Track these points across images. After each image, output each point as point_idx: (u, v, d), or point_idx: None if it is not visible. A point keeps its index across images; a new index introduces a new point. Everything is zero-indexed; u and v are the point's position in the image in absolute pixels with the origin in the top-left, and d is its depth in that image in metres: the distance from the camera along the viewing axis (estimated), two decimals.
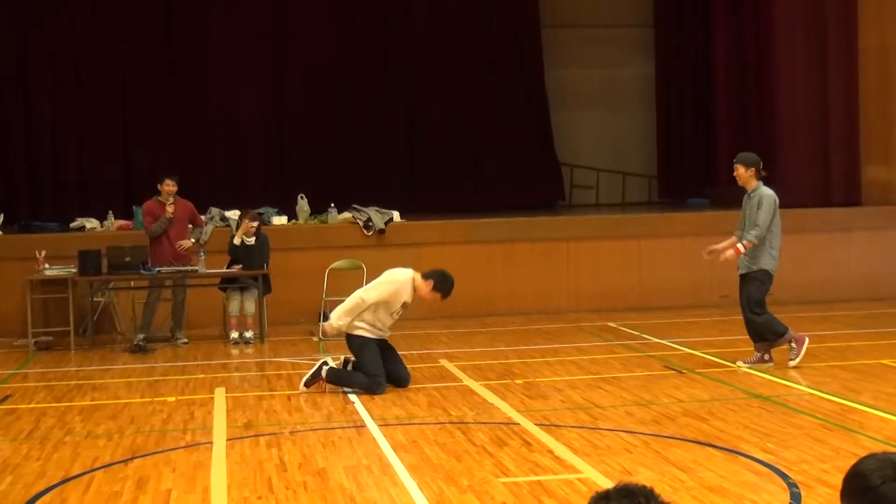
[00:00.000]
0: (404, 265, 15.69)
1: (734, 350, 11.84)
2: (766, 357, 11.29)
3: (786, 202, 17.41)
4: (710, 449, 7.96)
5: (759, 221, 11.11)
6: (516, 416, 9.19)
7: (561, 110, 22.61)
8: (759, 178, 11.37)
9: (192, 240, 14.30)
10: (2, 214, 16.00)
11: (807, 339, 11.30)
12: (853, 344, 12.74)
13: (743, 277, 11.37)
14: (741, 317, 11.44)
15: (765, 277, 11.24)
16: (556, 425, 8.83)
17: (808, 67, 18.06)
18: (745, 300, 11.31)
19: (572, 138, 22.72)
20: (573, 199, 22.47)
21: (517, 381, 10.85)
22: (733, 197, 18.99)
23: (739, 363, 11.34)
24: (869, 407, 9.28)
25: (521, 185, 21.30)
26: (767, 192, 11.28)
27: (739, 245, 11.21)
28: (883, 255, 17.08)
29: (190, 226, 14.41)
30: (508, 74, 22.01)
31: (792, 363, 11.12)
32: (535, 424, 8.84)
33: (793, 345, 11.22)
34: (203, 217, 15.71)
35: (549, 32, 22.64)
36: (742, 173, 11.40)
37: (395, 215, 16.36)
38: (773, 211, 11.22)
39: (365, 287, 11.14)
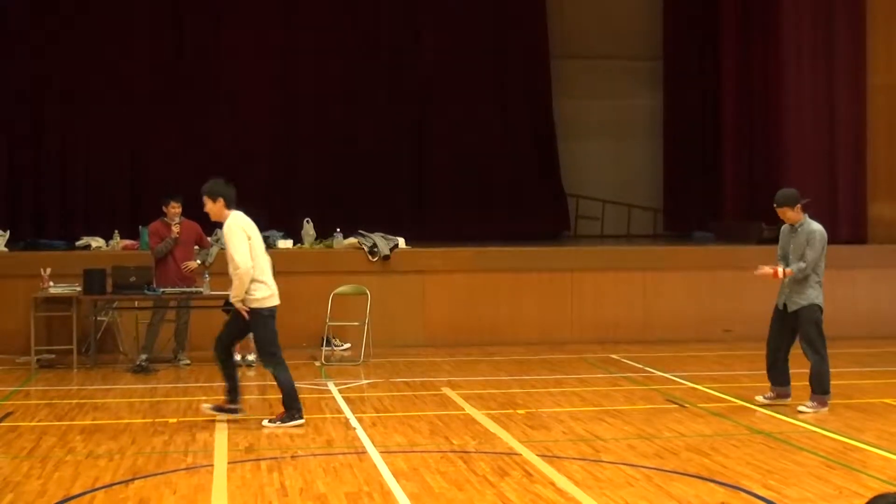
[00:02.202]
0: (408, 292, 15.86)
1: (738, 385, 11.83)
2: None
3: None
4: (711, 484, 7.93)
5: (808, 258, 10.80)
6: (518, 447, 9.17)
7: (568, 141, 22.68)
8: (805, 211, 11.01)
9: (198, 261, 14.30)
10: (8, 232, 16.04)
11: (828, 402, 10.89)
12: (857, 382, 12.72)
13: (795, 315, 10.90)
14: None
15: (817, 311, 10.90)
16: (557, 457, 8.81)
17: (816, 103, 18.12)
18: (804, 339, 10.89)
19: (579, 169, 22.79)
20: (578, 230, 22.51)
21: (519, 411, 10.83)
22: (738, 231, 19.15)
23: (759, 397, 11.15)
24: (872, 446, 9.25)
25: (526, 214, 21.34)
26: (818, 228, 10.94)
27: (780, 269, 10.84)
28: (888, 293, 17.05)
29: (196, 247, 14.41)
30: (516, 104, 22.09)
31: (802, 409, 10.82)
32: (537, 455, 8.82)
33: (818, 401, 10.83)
34: (209, 239, 15.72)
35: (558, 63, 22.72)
36: (790, 214, 10.97)
37: (401, 242, 16.37)
38: (823, 245, 10.91)
39: (231, 259, 10.31)
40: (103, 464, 8.69)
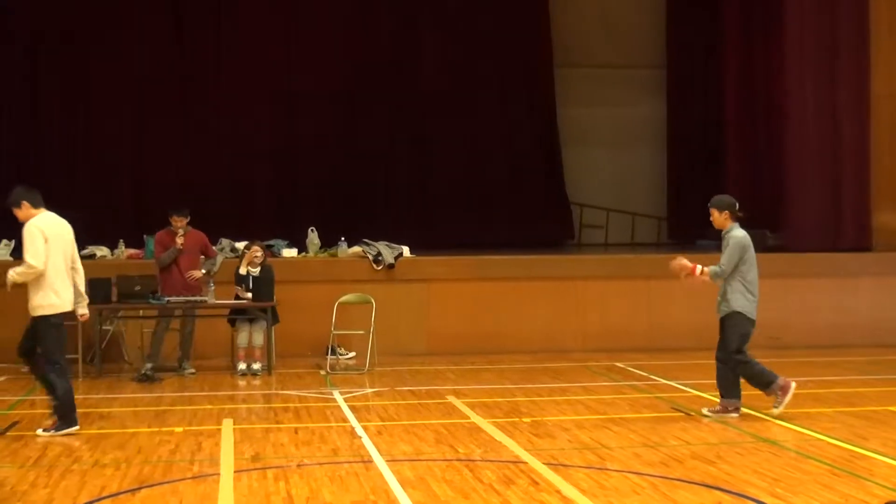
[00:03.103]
0: (413, 300, 15.89)
1: (742, 393, 11.78)
2: (731, 409, 10.99)
3: (795, 246, 17.59)
4: (717, 492, 7.94)
5: (722, 262, 10.85)
6: (524, 455, 9.18)
7: (572, 149, 22.71)
8: (735, 219, 11.08)
9: (203, 270, 14.32)
10: (13, 241, 16.03)
11: (793, 385, 10.96)
12: (861, 390, 12.72)
13: (722, 321, 11.01)
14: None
15: (741, 320, 10.89)
16: (563, 465, 8.82)
17: (819, 111, 18.12)
18: (720, 344, 11.03)
19: (582, 177, 22.81)
20: (582, 239, 22.53)
21: (525, 420, 10.83)
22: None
23: (705, 411, 11.12)
24: (877, 454, 9.25)
25: (530, 223, 21.37)
26: (737, 234, 10.98)
27: (699, 267, 10.92)
28: (892, 302, 17.05)
29: (203, 257, 14.44)
30: (520, 113, 22.13)
31: (776, 410, 10.89)
32: (543, 463, 8.82)
33: (778, 393, 10.94)
34: (214, 248, 15.77)
35: (562, 72, 22.76)
36: (716, 217, 11.14)
37: (405, 250, 16.39)
38: (740, 252, 10.87)
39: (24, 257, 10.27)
40: (109, 473, 8.71)
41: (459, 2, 21.90)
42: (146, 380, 13.56)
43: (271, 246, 15.49)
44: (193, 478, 8.55)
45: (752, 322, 10.90)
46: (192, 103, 20.79)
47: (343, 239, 16.52)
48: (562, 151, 22.55)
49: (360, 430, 10.30)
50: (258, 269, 14.22)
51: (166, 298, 13.88)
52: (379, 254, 16.03)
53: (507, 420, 10.81)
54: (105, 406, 12.01)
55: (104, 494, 8.04)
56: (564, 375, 14.00)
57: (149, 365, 13.91)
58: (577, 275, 16.63)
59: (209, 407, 11.78)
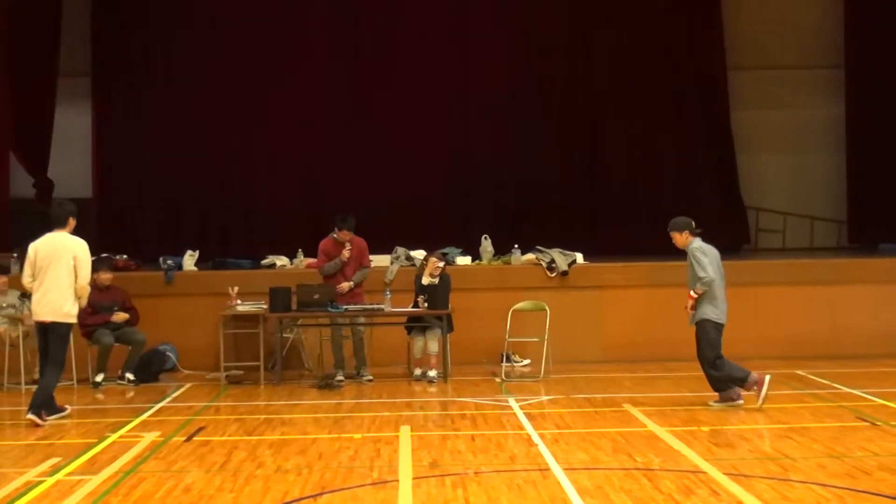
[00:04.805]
0: (587, 307, 15.81)
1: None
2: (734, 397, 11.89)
3: None
4: None
5: (700, 275, 11.67)
6: (703, 465, 9.05)
7: (747, 152, 22.28)
8: (695, 235, 11.92)
9: (352, 283, 14.45)
10: (197, 252, 16.56)
11: (767, 378, 11.66)
12: None
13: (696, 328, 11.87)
14: None
15: (710, 327, 11.74)
16: (744, 475, 8.66)
17: None
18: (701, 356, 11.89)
19: (758, 181, 22.35)
20: (759, 243, 22.07)
21: (703, 429, 10.68)
22: None
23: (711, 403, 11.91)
24: None
25: (705, 228, 20.93)
26: (696, 245, 11.84)
27: (692, 292, 11.81)
28: None
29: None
30: (693, 117, 21.81)
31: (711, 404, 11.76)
32: (723, 474, 8.68)
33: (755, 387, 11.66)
34: (389, 256, 16.02)
35: (735, 74, 22.36)
36: (678, 238, 12.00)
37: (579, 257, 16.32)
38: (706, 258, 11.74)
39: (81, 271, 11.50)
40: (292, 478, 8.90)
41: (630, 5, 21.74)
42: (326, 386, 13.81)
43: (445, 254, 15.60)
44: (373, 484, 8.67)
45: (720, 326, 11.83)
46: (366, 114, 21.14)
47: (516, 246, 16.54)
48: (736, 155, 22.15)
49: (536, 438, 10.30)
50: (437, 278, 14.35)
51: (344, 307, 14.12)
52: (552, 261, 16.00)
53: (686, 429, 10.68)
54: (287, 412, 12.28)
55: (287, 499, 8.23)
56: None
57: (338, 371, 14.19)
58: (754, 280, 16.30)
59: (387, 414, 11.94)
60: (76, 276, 11.40)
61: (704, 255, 11.79)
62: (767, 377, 11.74)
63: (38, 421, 11.45)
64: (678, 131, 21.66)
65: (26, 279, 11.58)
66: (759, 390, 11.66)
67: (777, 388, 13.30)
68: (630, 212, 21.04)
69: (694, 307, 11.85)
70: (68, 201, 11.99)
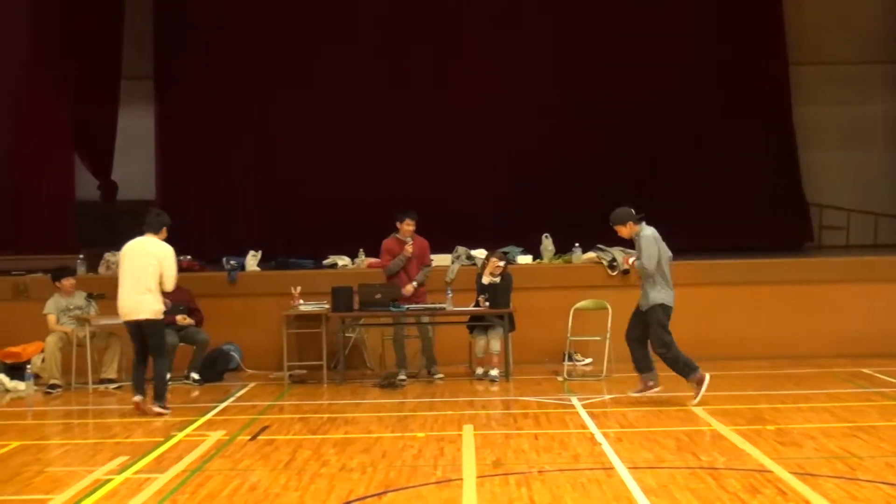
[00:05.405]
0: None
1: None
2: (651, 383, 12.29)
3: None
4: None
5: (644, 260, 11.89)
6: (769, 464, 8.98)
7: (808, 149, 22.10)
8: (638, 223, 12.06)
9: (415, 283, 14.50)
10: (259, 252, 16.70)
11: (707, 377, 11.97)
12: None
13: (646, 313, 12.04)
14: None
15: (661, 312, 11.95)
16: (811, 474, 8.59)
17: None
18: (651, 336, 12.06)
19: (821, 177, 22.17)
20: (822, 240, 21.88)
21: (768, 428, 10.60)
22: None
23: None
24: None
25: (765, 225, 20.91)
26: (645, 233, 11.99)
27: (631, 259, 12.21)
28: None
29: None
30: (754, 114, 21.66)
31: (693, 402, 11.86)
32: (790, 473, 8.62)
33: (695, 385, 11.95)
34: (450, 256, 16.04)
35: (796, 70, 22.19)
36: (623, 231, 12.17)
37: None
38: (655, 244, 11.97)
39: (165, 273, 12.14)
40: (356, 477, 8.95)
41: (690, 2, 21.64)
42: (388, 386, 13.87)
43: (506, 253, 15.59)
44: (437, 483, 8.70)
45: (670, 310, 12.00)
46: (424, 113, 21.22)
47: (577, 245, 16.50)
48: (798, 151, 21.97)
49: (599, 437, 10.28)
50: (498, 277, 14.36)
51: (406, 306, 14.17)
52: (614, 259, 15.96)
53: (750, 427, 10.61)
54: (350, 411, 12.36)
55: (352, 498, 8.28)
56: (806, 382, 13.63)
57: (401, 371, 14.25)
58: (818, 278, 16.16)
59: (450, 412, 11.97)
60: (162, 278, 12.11)
61: (656, 243, 11.99)
62: (707, 376, 12.01)
63: (163, 410, 12.10)
64: (739, 128, 21.51)
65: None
66: (699, 388, 11.92)
67: (842, 386, 13.22)
68: (691, 210, 20.94)
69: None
70: (165, 213, 12.60)
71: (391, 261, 14.46)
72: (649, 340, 12.15)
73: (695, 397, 11.94)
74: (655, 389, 12.33)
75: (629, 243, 16.60)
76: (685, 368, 12.05)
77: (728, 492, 8.10)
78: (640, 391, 12.41)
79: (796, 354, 15.60)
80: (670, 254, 12.29)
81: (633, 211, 12.15)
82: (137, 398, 12.16)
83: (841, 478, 8.47)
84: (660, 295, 11.97)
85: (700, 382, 11.99)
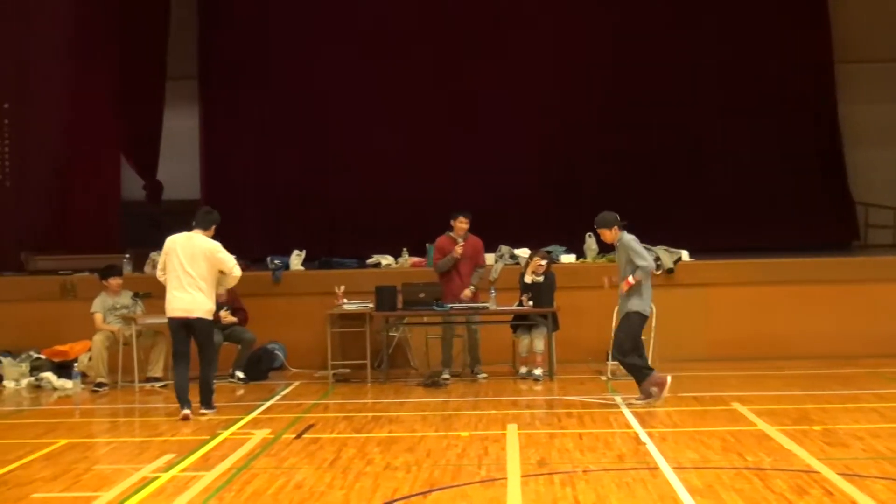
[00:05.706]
0: (693, 305, 15.68)
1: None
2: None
3: None
4: None
5: (638, 261, 11.88)
6: (816, 464, 8.92)
7: (855, 147, 21.91)
8: (622, 229, 12.12)
9: (472, 288, 14.51)
10: (304, 251, 16.77)
11: (669, 379, 11.97)
12: None
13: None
14: None
15: (636, 319, 12.01)
16: (859, 475, 8.52)
17: None
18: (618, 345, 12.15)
19: (867, 176, 21.96)
20: (869, 239, 21.69)
21: (815, 428, 10.52)
22: None
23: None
24: None
25: (813, 224, 20.75)
26: (626, 237, 12.07)
27: (630, 278, 11.95)
28: None
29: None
30: (799, 112, 21.49)
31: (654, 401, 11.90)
32: (837, 474, 8.55)
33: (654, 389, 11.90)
34: (493, 255, 16.03)
35: (841, 68, 22.00)
36: (607, 235, 12.23)
37: (684, 254, 16.20)
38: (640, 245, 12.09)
39: (225, 265, 12.12)
40: (401, 475, 8.96)
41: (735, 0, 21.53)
42: (432, 385, 13.90)
43: (549, 252, 15.59)
44: (481, 482, 8.70)
45: (645, 319, 12.13)
46: (466, 112, 21.21)
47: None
48: (844, 150, 21.80)
49: (644, 437, 10.25)
50: (541, 276, 14.35)
51: (449, 305, 14.18)
52: (658, 258, 15.89)
53: (797, 428, 10.54)
54: (394, 410, 12.38)
55: (396, 497, 8.29)
56: (854, 382, 13.51)
57: (446, 372, 14.27)
58: (865, 277, 16.05)
59: (493, 412, 11.97)
60: (224, 271, 12.10)
61: (639, 243, 12.10)
62: (669, 378, 12.05)
63: (210, 413, 12.08)
64: (785, 126, 21.35)
65: (160, 272, 12.20)
66: (660, 391, 11.92)
67: (890, 386, 13.12)
68: (737, 209, 20.81)
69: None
70: (217, 211, 12.48)
71: (441, 259, 14.49)
72: (613, 343, 12.39)
73: (657, 397, 11.95)
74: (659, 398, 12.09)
75: (687, 243, 16.70)
76: (640, 374, 12.11)
77: (774, 492, 8.05)
78: (642, 398, 12.19)
79: (843, 354, 15.47)
80: None
81: (618, 216, 12.24)
82: (186, 411, 11.86)
83: (889, 479, 8.39)
84: (637, 303, 12.03)
85: (661, 385, 11.98)
